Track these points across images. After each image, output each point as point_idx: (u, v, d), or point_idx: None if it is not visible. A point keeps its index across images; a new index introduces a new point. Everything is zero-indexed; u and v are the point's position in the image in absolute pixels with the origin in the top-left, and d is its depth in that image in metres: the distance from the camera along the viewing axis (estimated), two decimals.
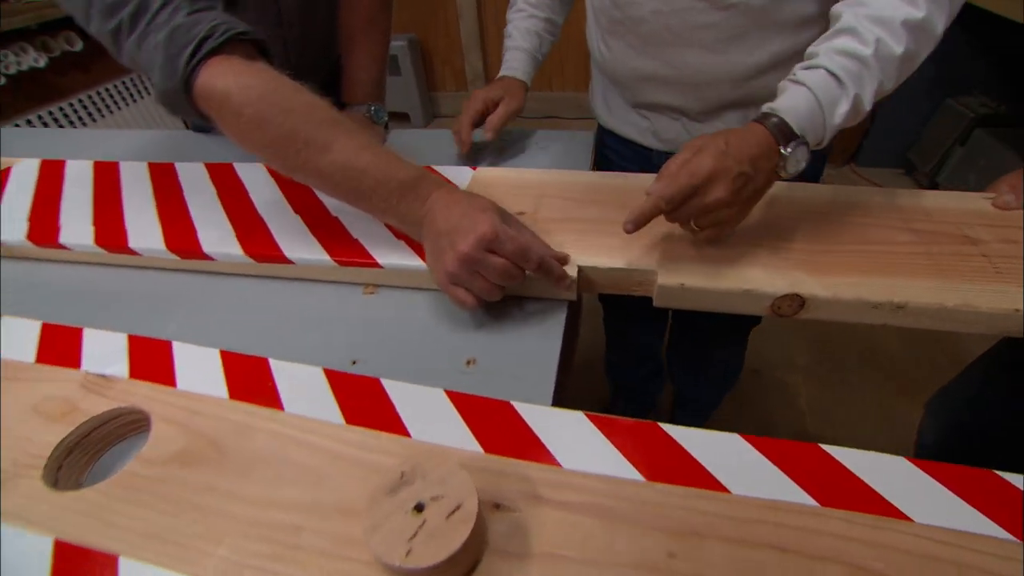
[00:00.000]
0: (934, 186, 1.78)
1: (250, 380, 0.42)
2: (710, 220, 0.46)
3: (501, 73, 0.77)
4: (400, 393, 0.40)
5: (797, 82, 0.46)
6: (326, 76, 0.89)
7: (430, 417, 0.38)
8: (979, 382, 0.68)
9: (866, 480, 0.33)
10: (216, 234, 0.59)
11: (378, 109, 0.82)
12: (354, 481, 0.35)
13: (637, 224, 0.44)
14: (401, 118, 2.62)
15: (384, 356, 0.48)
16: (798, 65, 0.48)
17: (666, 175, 0.44)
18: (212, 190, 0.67)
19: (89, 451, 0.39)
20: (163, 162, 0.74)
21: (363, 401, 0.40)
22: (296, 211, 0.62)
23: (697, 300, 0.48)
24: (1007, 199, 0.55)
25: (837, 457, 0.34)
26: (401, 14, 2.43)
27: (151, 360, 0.45)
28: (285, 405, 0.40)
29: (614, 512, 0.33)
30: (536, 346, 0.47)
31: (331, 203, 0.62)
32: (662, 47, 0.63)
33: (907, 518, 0.31)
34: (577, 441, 0.36)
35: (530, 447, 0.36)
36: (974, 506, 0.31)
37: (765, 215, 0.54)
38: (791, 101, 0.45)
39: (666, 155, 0.72)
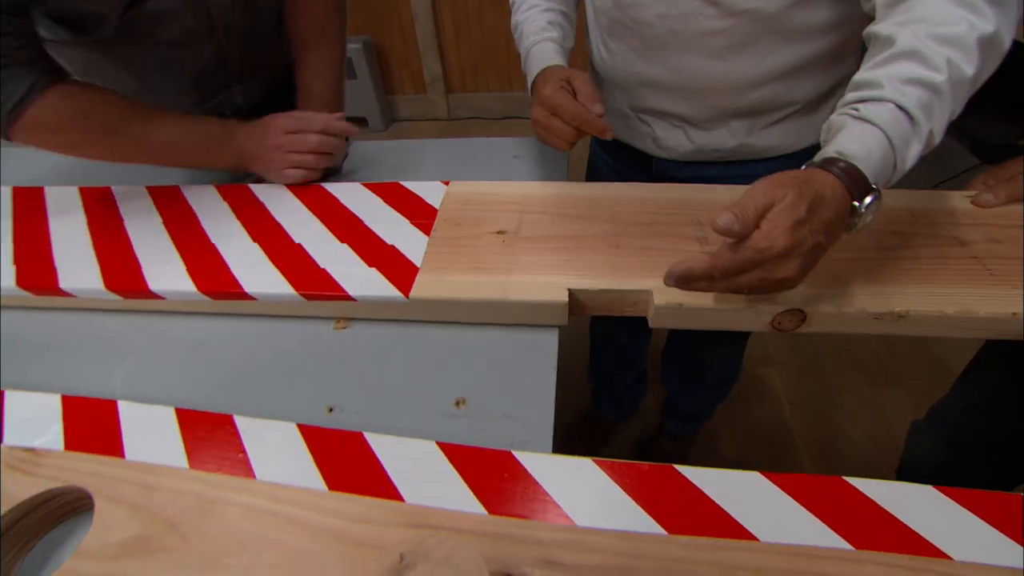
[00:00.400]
0: None
1: (213, 443, 0.37)
2: (765, 290, 0.39)
3: (537, 69, 0.62)
4: (388, 449, 0.36)
5: (863, 120, 0.39)
6: (276, 83, 0.82)
7: (424, 476, 0.34)
8: (975, 388, 0.69)
9: (898, 516, 0.31)
10: (164, 269, 0.53)
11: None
12: (344, 561, 0.31)
13: (680, 284, 0.39)
14: (359, 122, 2.53)
15: (364, 400, 0.44)
16: (853, 95, 0.41)
17: (728, 227, 0.36)
18: (157, 218, 0.61)
19: (17, 544, 0.34)
20: (97, 186, 0.66)
21: (346, 461, 0.35)
22: (254, 239, 0.56)
23: (696, 319, 0.46)
24: (986, 197, 0.55)
25: (863, 490, 0.33)
26: (354, 15, 2.35)
27: (92, 425, 0.39)
28: (256, 472, 0.35)
29: (638, 573, 0.30)
30: (529, 379, 0.44)
31: (294, 230, 0.57)
32: (666, 52, 0.59)
33: (946, 556, 0.29)
34: (589, 493, 0.33)
35: (538, 504, 0.33)
36: (1011, 537, 0.30)
37: None
38: (862, 144, 0.38)
39: (666, 162, 0.70)
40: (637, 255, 0.50)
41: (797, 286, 0.39)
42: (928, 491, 0.32)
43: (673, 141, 0.67)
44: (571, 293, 0.46)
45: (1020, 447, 0.64)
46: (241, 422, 0.38)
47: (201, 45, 0.69)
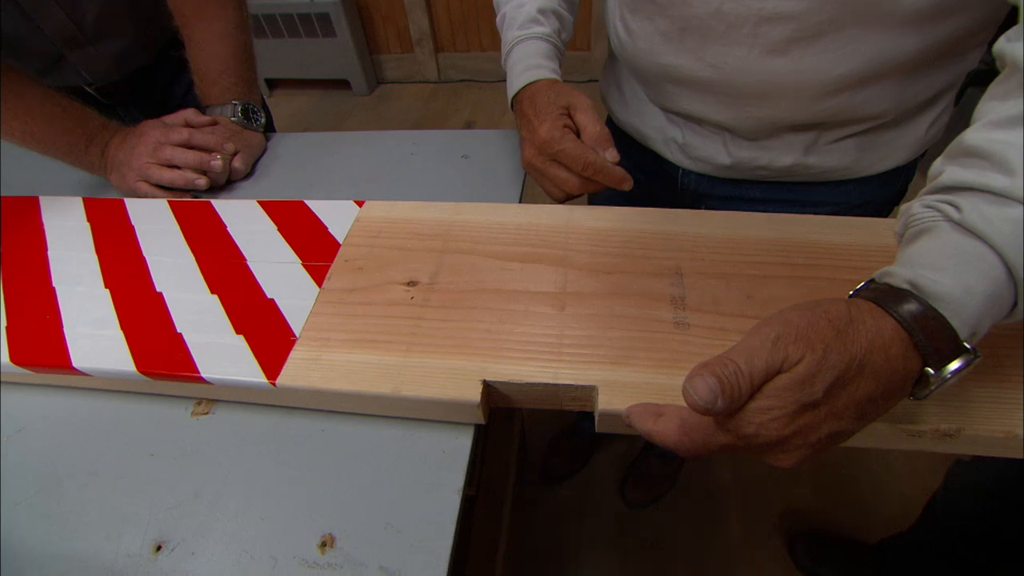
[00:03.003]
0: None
1: None
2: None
3: (522, 81, 0.48)
4: None
5: (966, 229, 0.25)
6: (145, 55, 0.69)
7: None
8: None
9: None
10: None
11: (249, 107, 0.63)
12: None
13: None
14: (340, 85, 2.35)
15: (204, 531, 0.33)
16: (957, 172, 0.27)
17: (706, 406, 0.23)
18: None
19: None
20: None
21: None
22: (107, 283, 0.45)
23: None
24: None
25: None
26: None
27: None
28: None
29: None
30: (423, 509, 0.33)
31: (159, 270, 0.45)
32: (707, 41, 0.43)
33: None
34: None
35: None
36: None
37: (755, 289, 0.39)
38: (958, 276, 0.24)
39: (695, 176, 0.54)
40: (586, 325, 0.37)
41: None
42: None
43: (706, 151, 0.51)
44: (487, 387, 0.34)
45: None
46: None
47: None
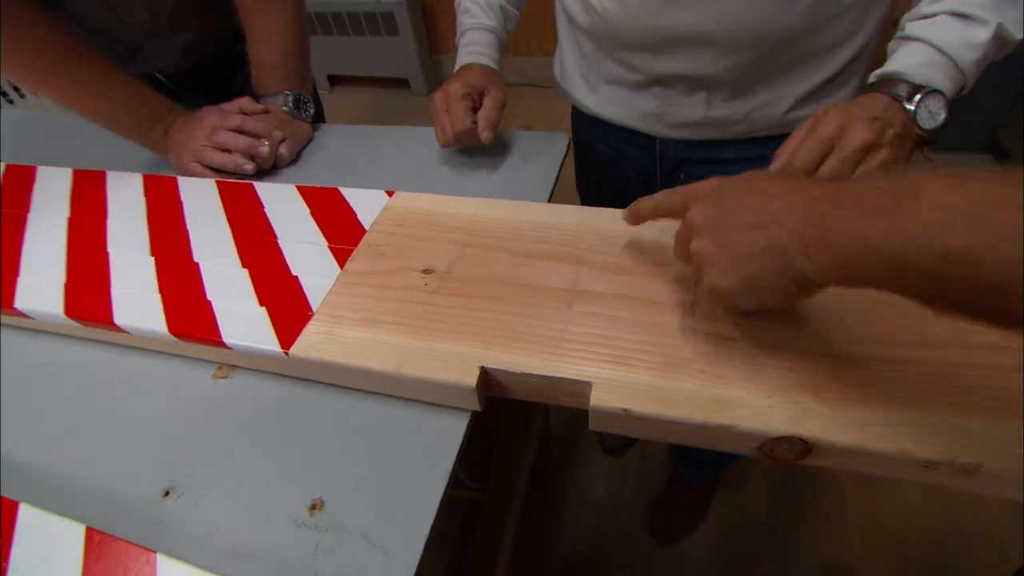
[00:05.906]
0: None
1: None
2: (866, 169, 0.41)
3: (464, 61, 0.63)
4: None
5: (907, 38, 0.43)
6: (212, 48, 0.77)
7: None
8: None
9: None
10: (39, 281, 0.48)
11: (299, 98, 0.70)
12: None
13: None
14: (400, 84, 2.48)
15: (210, 483, 0.37)
16: (907, 16, 0.44)
17: (784, 155, 0.43)
18: (64, 211, 0.57)
19: None
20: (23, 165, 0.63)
21: None
22: (152, 251, 0.51)
23: (649, 429, 0.35)
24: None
25: None
26: None
27: None
28: None
29: None
30: (411, 486, 0.35)
31: (199, 242, 0.51)
32: None
33: None
34: None
35: None
36: None
37: None
38: (901, 60, 0.42)
39: (675, 144, 0.60)
40: (592, 324, 0.39)
41: (901, 161, 0.41)
42: None
43: (688, 114, 0.56)
44: (485, 373, 0.37)
45: None
46: (25, 516, 0.33)
47: None
